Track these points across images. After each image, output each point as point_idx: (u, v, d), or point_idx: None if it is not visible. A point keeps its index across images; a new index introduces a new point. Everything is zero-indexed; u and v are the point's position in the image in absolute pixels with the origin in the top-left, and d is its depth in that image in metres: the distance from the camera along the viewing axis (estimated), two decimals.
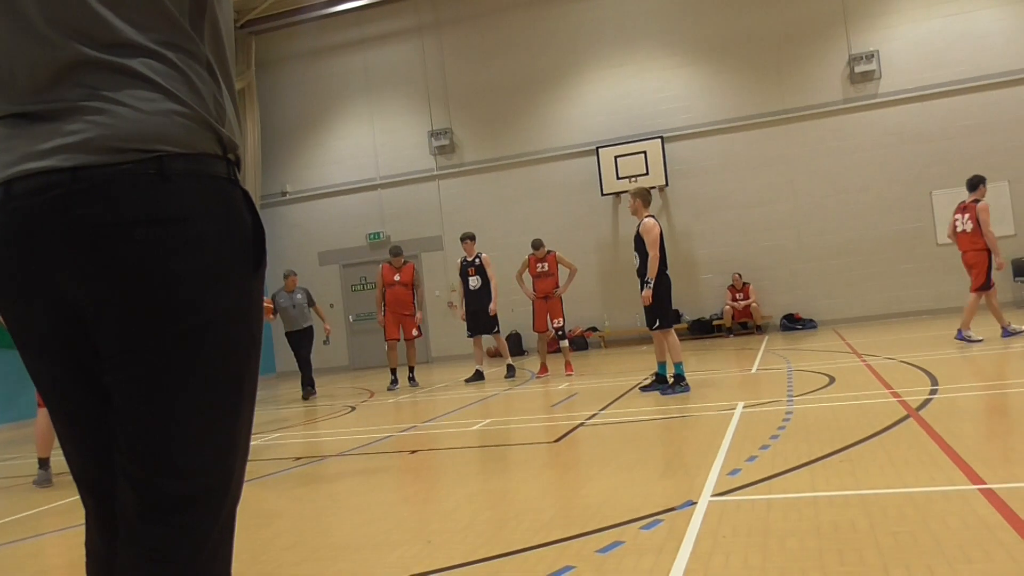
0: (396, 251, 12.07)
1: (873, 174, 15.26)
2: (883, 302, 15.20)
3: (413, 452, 6.33)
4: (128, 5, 1.27)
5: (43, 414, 6.49)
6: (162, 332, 1.28)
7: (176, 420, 1.30)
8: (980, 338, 9.43)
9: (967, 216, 9.64)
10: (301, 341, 12.36)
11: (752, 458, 4.63)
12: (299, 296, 12.29)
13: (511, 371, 11.59)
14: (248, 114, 17.82)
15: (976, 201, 9.58)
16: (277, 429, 8.77)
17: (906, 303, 15.06)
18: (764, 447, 4.90)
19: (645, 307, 8.00)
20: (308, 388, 12.20)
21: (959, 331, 9.68)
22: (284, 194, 18.84)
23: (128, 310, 1.27)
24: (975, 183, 9.70)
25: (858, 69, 15.19)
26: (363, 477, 5.54)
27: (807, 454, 4.58)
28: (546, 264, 11.37)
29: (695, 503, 3.79)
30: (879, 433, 4.96)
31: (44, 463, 6.39)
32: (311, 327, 12.41)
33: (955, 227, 9.80)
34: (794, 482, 4.03)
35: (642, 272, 7.97)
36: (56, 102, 1.26)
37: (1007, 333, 9.55)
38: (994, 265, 9.50)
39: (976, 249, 9.52)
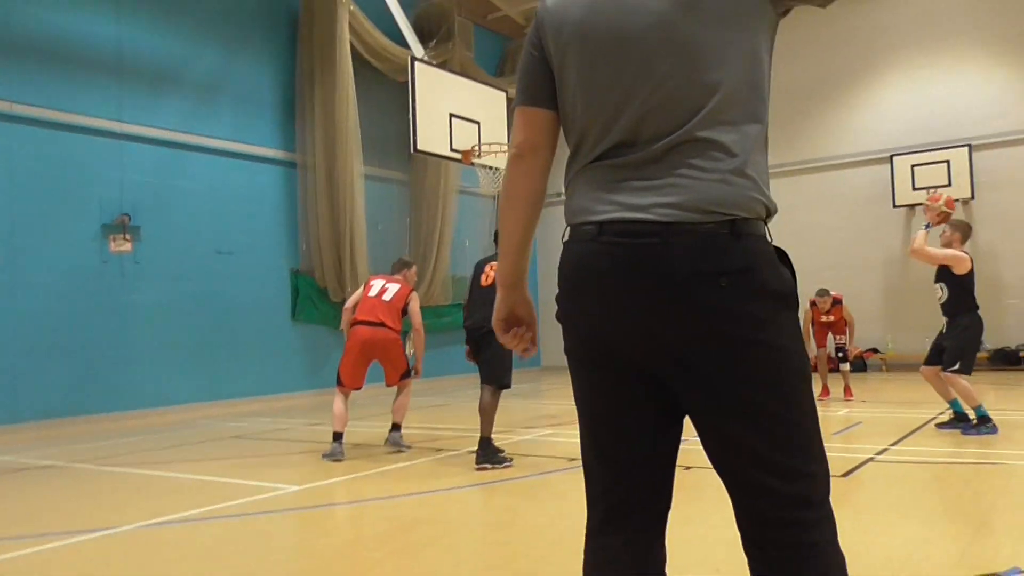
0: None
1: None
2: None
3: (688, 468, 6.24)
4: (739, 97, 1.63)
5: (339, 397, 7.16)
6: (745, 359, 1.56)
7: (774, 425, 1.58)
8: None
9: None
10: None
11: None
12: None
13: None
14: None
15: None
16: (548, 425, 9.04)
17: None
18: None
19: (948, 344, 7.26)
20: None
21: None
22: None
23: (719, 343, 1.56)
24: None
25: None
26: None
27: None
28: (831, 316, 10.77)
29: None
30: None
31: (337, 437, 7.06)
32: None
33: None
34: None
35: (948, 309, 7.28)
36: (656, 168, 1.59)
37: None
38: None
39: None
